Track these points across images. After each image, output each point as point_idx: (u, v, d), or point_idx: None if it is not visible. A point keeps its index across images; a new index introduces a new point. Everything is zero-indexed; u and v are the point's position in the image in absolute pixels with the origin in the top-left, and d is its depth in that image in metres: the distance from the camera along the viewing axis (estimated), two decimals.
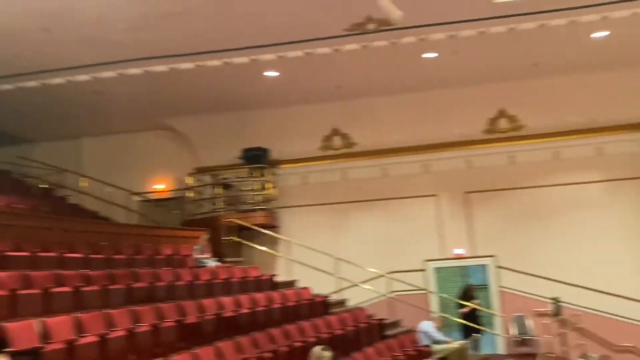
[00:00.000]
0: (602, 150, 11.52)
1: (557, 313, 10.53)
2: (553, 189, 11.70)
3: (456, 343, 9.22)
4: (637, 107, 11.28)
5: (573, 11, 8.53)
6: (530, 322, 11.10)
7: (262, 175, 12.47)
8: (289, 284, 10.70)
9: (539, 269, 11.16)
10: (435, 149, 12.17)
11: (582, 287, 10.83)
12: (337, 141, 12.77)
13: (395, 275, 11.30)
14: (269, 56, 9.85)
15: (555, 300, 10.57)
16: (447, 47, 9.76)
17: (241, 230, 11.95)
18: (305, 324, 8.24)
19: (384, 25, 8.86)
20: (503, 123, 12.02)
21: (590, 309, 10.90)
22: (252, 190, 12.49)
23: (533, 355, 10.34)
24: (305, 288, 10.34)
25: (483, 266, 11.88)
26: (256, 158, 12.50)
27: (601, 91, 11.41)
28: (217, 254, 10.88)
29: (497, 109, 12.06)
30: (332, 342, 7.23)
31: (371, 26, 8.97)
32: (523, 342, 10.99)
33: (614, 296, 10.86)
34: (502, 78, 11.47)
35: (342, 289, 11.17)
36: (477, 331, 10.52)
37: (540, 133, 11.68)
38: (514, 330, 11.17)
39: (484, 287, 11.81)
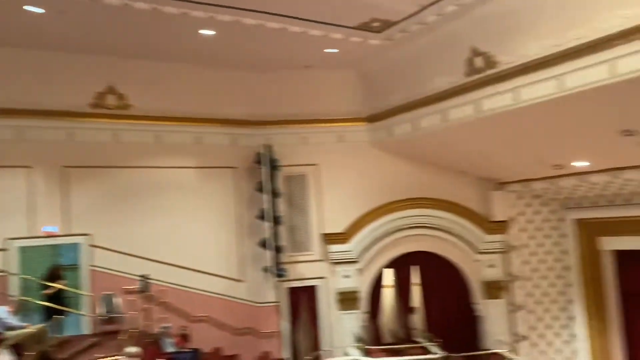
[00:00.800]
0: (200, 140, 12.40)
1: (144, 290, 10.79)
2: (153, 170, 11.93)
3: (33, 327, 8.35)
4: (230, 105, 12.58)
5: (186, 3, 8.83)
6: (118, 300, 11.03)
7: None
8: None
9: (135, 247, 11.25)
10: (33, 116, 10.77)
11: (169, 264, 11.51)
12: None
13: None
14: None
15: (144, 278, 10.82)
16: (54, 4, 8.73)
17: None
18: None
19: None
20: (111, 99, 11.56)
21: (176, 284, 11.61)
22: None
23: (117, 332, 10.29)
24: None
25: (76, 245, 11.18)
26: None
27: (205, 85, 12.26)
28: None
29: (107, 84, 11.52)
30: None
31: None
32: (109, 320, 10.84)
33: (197, 272, 11.91)
34: (114, 53, 11.04)
35: None
36: (61, 313, 9.84)
37: (146, 115, 11.73)
38: (101, 309, 10.90)
39: (75, 266, 11.15)
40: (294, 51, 11.25)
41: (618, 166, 11.01)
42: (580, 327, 13.07)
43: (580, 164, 11.25)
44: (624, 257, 12.60)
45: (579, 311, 13.11)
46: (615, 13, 7.23)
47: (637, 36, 7.07)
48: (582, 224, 13.07)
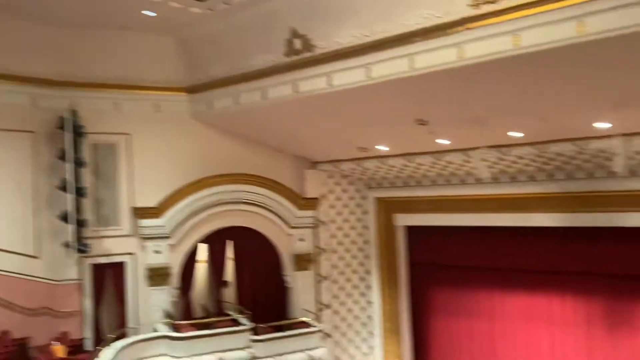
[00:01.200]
0: None
1: None
2: None
3: None
4: (30, 61, 11.10)
5: None
6: None
7: None
8: None
9: None
10: None
11: None
12: None
13: None
14: None
15: None
16: None
17: None
18: None
19: None
20: None
21: None
22: None
23: None
24: None
25: None
26: None
27: None
28: None
29: None
30: None
31: None
32: None
33: None
34: None
35: None
36: None
37: None
38: None
39: None
40: (107, 8, 10.31)
41: (412, 151, 12.31)
42: (376, 295, 14.46)
43: (382, 148, 12.31)
44: (413, 232, 14.22)
45: (375, 280, 14.47)
46: (415, 12, 7.95)
47: (432, 35, 7.87)
48: (381, 202, 14.38)
